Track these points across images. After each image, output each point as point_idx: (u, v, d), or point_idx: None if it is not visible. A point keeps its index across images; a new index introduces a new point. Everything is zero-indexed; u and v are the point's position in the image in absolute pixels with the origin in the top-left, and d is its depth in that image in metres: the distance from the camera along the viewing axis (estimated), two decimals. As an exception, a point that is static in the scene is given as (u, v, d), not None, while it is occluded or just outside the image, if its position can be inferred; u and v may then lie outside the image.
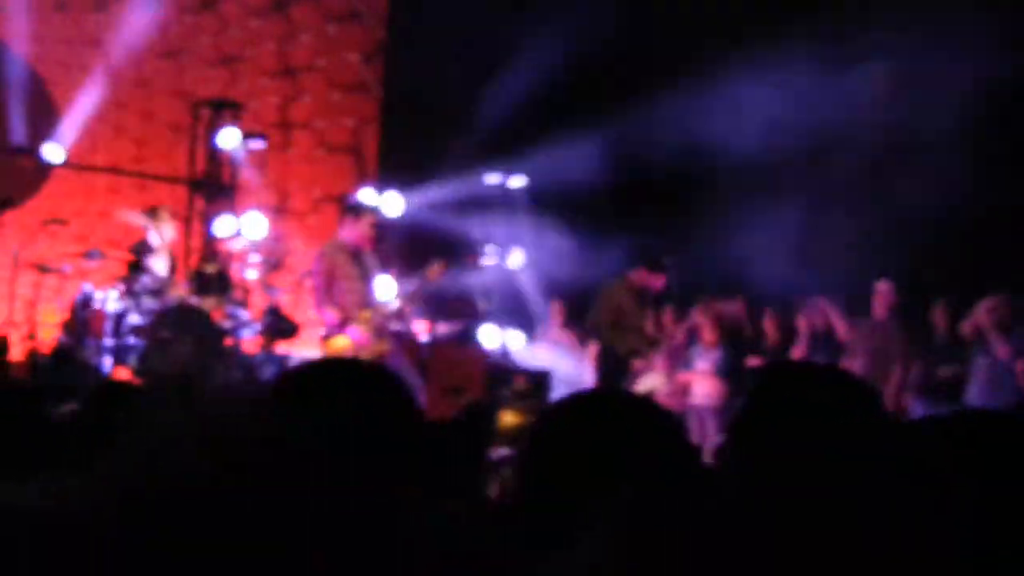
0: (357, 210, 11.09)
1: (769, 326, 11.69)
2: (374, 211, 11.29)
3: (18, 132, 12.34)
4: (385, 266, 11.44)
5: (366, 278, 11.01)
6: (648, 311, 12.13)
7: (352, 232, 10.93)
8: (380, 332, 11.07)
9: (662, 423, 2.26)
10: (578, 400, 2.34)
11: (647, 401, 2.41)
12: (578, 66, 12.90)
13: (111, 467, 1.30)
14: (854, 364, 10.50)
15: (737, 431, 2.45)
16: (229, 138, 12.95)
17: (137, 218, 11.47)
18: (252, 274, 11.55)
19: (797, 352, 11.16)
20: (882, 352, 10.71)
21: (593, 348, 12.18)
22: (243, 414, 1.31)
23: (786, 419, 2.33)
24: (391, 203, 12.51)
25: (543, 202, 13.23)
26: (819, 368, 2.67)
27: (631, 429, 2.21)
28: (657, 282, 11.89)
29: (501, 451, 7.33)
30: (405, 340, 11.15)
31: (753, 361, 11.27)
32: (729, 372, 11.41)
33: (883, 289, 10.95)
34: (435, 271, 11.33)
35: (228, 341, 11.13)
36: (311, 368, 2.35)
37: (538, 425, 2.31)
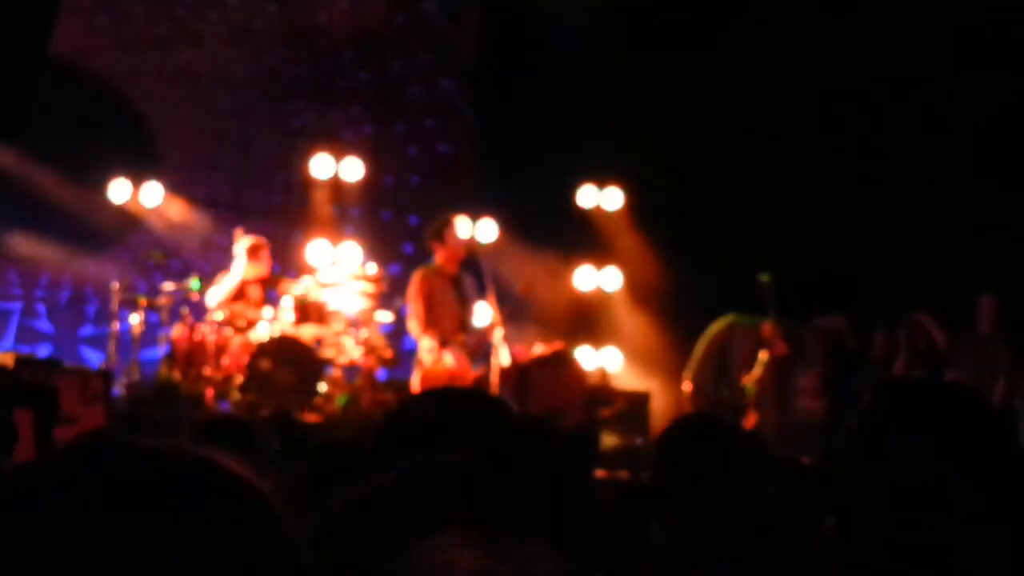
0: (441, 233, 11.17)
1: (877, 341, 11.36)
2: (459, 231, 11.33)
3: (119, 168, 12.46)
4: (481, 291, 11.43)
5: (464, 302, 11.09)
6: None
7: (443, 255, 11.06)
8: (477, 356, 11.09)
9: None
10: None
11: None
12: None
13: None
14: (956, 378, 10.19)
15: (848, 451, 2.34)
16: (323, 167, 12.97)
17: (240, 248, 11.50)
18: (351, 303, 11.52)
19: (898, 368, 10.88)
20: (986, 367, 10.38)
21: None
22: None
23: (907, 441, 2.18)
24: (486, 229, 12.46)
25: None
26: (940, 386, 2.51)
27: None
28: None
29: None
30: (501, 364, 11.06)
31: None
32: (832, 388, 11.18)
33: (987, 302, 10.61)
34: (524, 290, 11.40)
35: (328, 370, 11.15)
36: (427, 401, 2.35)
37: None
